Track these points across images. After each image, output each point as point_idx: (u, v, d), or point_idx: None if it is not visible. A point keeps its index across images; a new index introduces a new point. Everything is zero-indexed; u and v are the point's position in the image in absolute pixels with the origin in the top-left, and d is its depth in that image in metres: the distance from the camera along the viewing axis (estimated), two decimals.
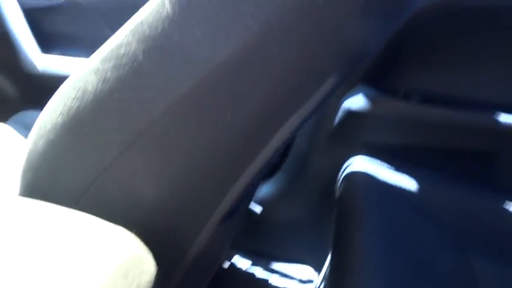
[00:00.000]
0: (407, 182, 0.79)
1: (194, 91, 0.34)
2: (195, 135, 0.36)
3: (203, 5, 0.33)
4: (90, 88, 0.36)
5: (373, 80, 0.87)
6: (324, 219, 0.97)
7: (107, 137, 0.36)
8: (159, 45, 0.34)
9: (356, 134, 0.90)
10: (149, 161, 0.37)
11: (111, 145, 0.36)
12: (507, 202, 0.78)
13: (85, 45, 1.02)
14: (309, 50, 0.33)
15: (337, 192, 0.85)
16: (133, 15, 0.36)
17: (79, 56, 1.01)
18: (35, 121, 0.41)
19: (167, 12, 0.34)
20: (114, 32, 0.37)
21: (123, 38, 0.35)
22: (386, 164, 0.84)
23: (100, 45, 0.38)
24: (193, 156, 0.37)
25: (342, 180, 0.84)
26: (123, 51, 0.35)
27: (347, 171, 0.85)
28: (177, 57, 0.34)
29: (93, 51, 0.38)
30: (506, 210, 0.77)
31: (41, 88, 1.03)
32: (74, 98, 0.37)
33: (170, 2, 0.34)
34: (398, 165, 0.84)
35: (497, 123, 0.80)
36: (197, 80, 0.34)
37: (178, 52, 0.34)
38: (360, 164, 0.84)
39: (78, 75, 0.38)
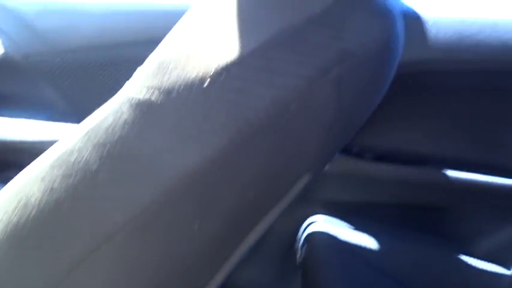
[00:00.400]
0: (368, 241, 0.79)
1: (157, 202, 0.31)
2: (159, 248, 0.32)
3: (167, 111, 0.30)
4: (33, 199, 0.31)
5: None
6: (287, 280, 0.94)
7: (54, 254, 0.32)
8: (115, 153, 0.30)
9: (313, 193, 0.90)
10: (104, 279, 0.32)
11: (58, 263, 0.32)
12: (462, 255, 0.80)
13: (23, 106, 0.95)
14: (280, 155, 0.32)
15: (299, 255, 0.82)
16: (87, 118, 0.33)
17: (14, 117, 0.93)
18: None
19: (126, 117, 0.30)
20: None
21: (75, 143, 0.32)
22: (345, 223, 0.84)
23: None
24: (157, 269, 0.33)
25: (304, 242, 0.83)
26: (74, 158, 0.31)
27: (307, 231, 0.84)
28: (137, 166, 0.30)
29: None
30: (465, 264, 0.78)
31: None
32: (15, 209, 0.32)
33: (130, 105, 0.31)
34: (358, 222, 0.84)
35: (447, 178, 0.83)
36: (160, 191, 0.30)
37: (138, 161, 0.30)
38: (319, 224, 0.83)
39: (22, 181, 0.33)
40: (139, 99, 0.30)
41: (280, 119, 0.30)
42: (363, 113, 0.41)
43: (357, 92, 0.35)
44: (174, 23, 0.35)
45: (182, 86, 0.29)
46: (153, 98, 0.30)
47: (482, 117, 0.84)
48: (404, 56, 0.77)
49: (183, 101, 0.29)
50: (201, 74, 0.29)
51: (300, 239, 0.86)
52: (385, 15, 0.36)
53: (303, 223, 0.88)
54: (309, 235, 0.82)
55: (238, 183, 0.32)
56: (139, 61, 0.34)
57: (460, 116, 0.83)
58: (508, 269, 0.80)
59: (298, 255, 0.84)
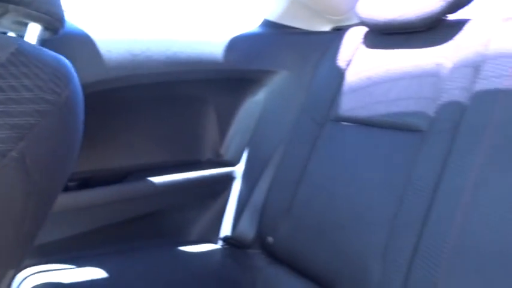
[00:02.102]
0: (95, 273, 0.76)
1: None
2: None
3: None
4: None
5: None
6: None
7: None
8: None
9: None
10: None
11: None
12: (182, 245, 0.90)
13: None
14: None
15: None
16: None
17: None
18: None
19: None
20: None
21: None
22: (65, 264, 0.78)
23: None
24: None
25: None
26: None
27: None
28: None
29: None
30: (184, 252, 0.88)
31: None
32: None
33: None
34: (79, 257, 0.79)
35: (153, 184, 0.89)
36: None
37: None
38: (36, 277, 0.73)
39: None
40: None
41: None
42: (62, 170, 0.38)
43: (50, 155, 0.32)
44: None
45: None
46: None
47: (169, 122, 0.94)
48: (82, 78, 0.75)
49: None
50: None
51: None
52: (59, 74, 0.34)
53: (12, 280, 0.75)
54: None
55: None
56: None
57: (149, 125, 0.90)
58: (216, 243, 0.97)
59: None
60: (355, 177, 0.76)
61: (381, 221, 0.70)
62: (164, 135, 0.93)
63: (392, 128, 0.75)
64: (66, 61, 0.36)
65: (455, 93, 0.68)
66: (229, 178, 1.00)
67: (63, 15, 0.45)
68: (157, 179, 0.89)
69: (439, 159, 0.66)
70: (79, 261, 0.77)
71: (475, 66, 0.67)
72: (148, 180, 0.88)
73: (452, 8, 0.74)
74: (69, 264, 0.76)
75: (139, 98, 0.86)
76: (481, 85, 0.65)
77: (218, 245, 0.95)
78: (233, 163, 1.02)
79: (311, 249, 0.79)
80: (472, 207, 0.60)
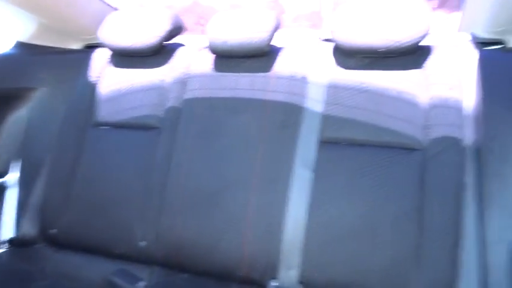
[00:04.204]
0: None
1: None
2: None
3: None
4: None
5: None
6: None
7: None
8: None
9: None
10: None
11: None
12: None
13: None
14: None
15: None
16: None
17: None
18: None
19: None
20: None
21: None
22: None
23: None
24: None
25: None
26: None
27: None
28: None
29: None
30: None
31: None
32: None
33: None
34: None
35: None
36: None
37: None
38: None
39: None
40: None
41: None
42: None
43: None
44: None
45: None
46: None
47: None
48: None
49: None
50: None
51: None
52: None
53: None
54: None
55: None
56: None
57: None
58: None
59: None
60: (115, 168, 1.02)
61: (135, 194, 0.98)
62: None
63: (137, 128, 1.03)
64: None
65: (174, 100, 1.01)
66: (1, 188, 1.09)
67: None
68: None
69: (168, 146, 0.98)
70: None
71: (183, 82, 1.02)
72: None
73: (167, 39, 1.06)
74: None
75: None
76: (188, 95, 1.00)
77: (3, 249, 1.05)
78: (2, 174, 1.11)
79: (89, 228, 1.01)
80: (179, 171, 0.94)
